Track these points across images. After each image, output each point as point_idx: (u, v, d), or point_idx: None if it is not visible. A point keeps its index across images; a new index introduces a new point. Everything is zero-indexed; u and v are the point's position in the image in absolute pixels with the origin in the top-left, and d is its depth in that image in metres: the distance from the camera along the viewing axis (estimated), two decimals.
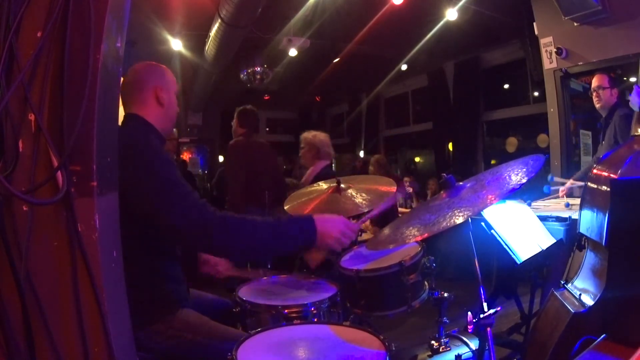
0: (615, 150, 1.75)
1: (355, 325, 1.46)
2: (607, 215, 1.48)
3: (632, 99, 1.96)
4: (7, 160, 0.92)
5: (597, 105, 3.39)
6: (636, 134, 1.78)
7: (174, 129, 1.87)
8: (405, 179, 6.89)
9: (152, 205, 1.39)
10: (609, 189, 1.50)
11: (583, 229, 1.69)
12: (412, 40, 6.19)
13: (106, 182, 1.02)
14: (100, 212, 0.98)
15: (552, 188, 3.50)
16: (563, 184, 3.40)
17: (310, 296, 1.73)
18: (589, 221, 1.63)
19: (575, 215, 2.32)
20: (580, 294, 1.59)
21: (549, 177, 3.56)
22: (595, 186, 1.61)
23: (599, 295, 1.51)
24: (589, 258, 1.70)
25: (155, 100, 1.60)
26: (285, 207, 2.14)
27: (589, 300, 1.54)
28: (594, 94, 3.38)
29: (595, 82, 3.40)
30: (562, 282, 1.74)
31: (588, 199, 1.67)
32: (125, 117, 1.60)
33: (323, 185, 2.23)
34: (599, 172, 1.62)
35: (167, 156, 1.49)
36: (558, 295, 1.67)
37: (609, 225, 1.47)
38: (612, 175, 1.52)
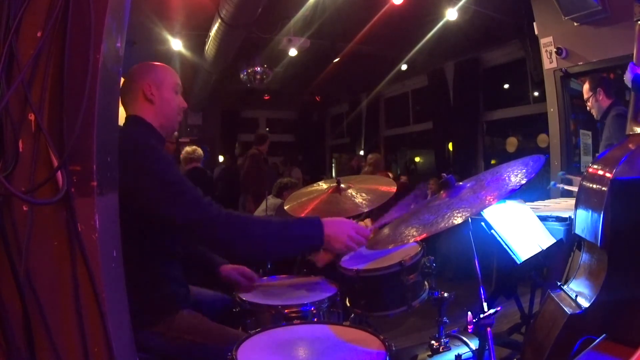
0: (610, 150, 1.74)
1: (355, 325, 1.46)
2: (601, 215, 1.47)
3: (626, 75, 1.98)
4: (7, 160, 0.92)
5: (593, 113, 3.45)
6: (631, 132, 1.77)
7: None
8: (402, 177, 6.90)
9: (154, 205, 1.40)
10: (603, 189, 1.49)
11: (578, 229, 1.68)
12: (412, 40, 6.19)
13: (106, 182, 1.02)
14: (100, 212, 0.98)
15: (559, 185, 3.50)
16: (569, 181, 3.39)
17: (310, 296, 1.73)
18: (584, 222, 1.63)
19: None
20: (576, 296, 1.59)
21: (560, 172, 3.53)
22: (589, 185, 1.61)
23: (594, 297, 1.51)
24: (584, 259, 1.69)
25: (143, 98, 1.58)
26: (285, 207, 2.15)
27: (584, 302, 1.54)
28: (587, 104, 3.45)
29: (583, 93, 3.47)
30: (559, 284, 1.74)
31: (583, 198, 1.66)
32: (125, 118, 1.60)
33: (323, 185, 2.23)
34: (593, 172, 1.61)
35: (166, 155, 1.49)
36: (554, 297, 1.67)
37: (603, 226, 1.47)
38: (607, 174, 1.51)
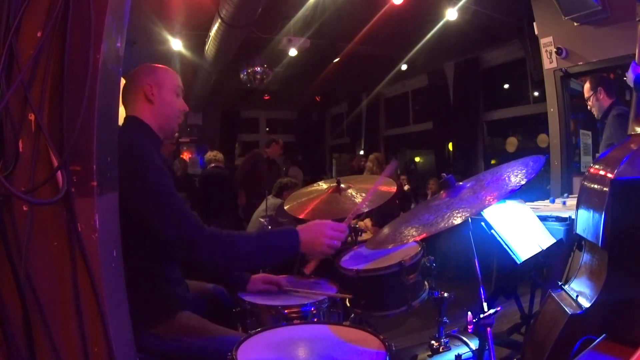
0: (611, 150, 1.74)
1: (355, 325, 1.46)
2: (602, 215, 1.47)
3: (628, 75, 1.99)
4: (7, 160, 0.92)
5: (593, 112, 3.45)
6: (632, 133, 1.77)
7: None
8: (402, 177, 6.90)
9: (143, 215, 1.40)
10: (605, 189, 1.49)
11: (580, 229, 1.68)
12: (412, 40, 6.18)
13: (106, 182, 1.02)
14: (100, 212, 0.98)
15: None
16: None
17: (311, 296, 1.73)
18: (585, 222, 1.62)
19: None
20: (577, 296, 1.59)
21: (551, 199, 3.50)
22: (591, 185, 1.61)
23: (595, 297, 1.51)
24: (585, 259, 1.69)
25: (144, 98, 1.59)
26: (286, 207, 2.15)
27: (585, 302, 1.54)
28: (587, 103, 3.45)
29: (584, 92, 3.47)
30: (560, 283, 1.74)
31: (584, 198, 1.66)
32: (124, 119, 1.60)
33: (323, 185, 2.23)
34: (595, 172, 1.61)
35: (161, 166, 1.49)
36: (555, 297, 1.67)
37: (604, 226, 1.46)
38: (608, 175, 1.51)
